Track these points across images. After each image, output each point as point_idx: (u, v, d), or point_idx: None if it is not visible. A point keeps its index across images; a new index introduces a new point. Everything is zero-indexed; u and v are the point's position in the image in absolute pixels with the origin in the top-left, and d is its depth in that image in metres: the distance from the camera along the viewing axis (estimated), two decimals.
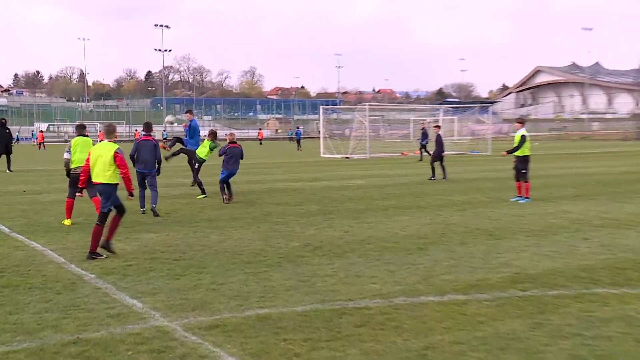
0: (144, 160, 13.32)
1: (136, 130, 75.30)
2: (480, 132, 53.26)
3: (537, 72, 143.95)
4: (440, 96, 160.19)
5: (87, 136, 12.35)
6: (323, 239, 10.31)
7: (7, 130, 26.73)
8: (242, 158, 15.62)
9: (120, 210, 9.26)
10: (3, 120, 26.89)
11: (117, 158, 9.09)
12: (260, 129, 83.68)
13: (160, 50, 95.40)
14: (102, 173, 9.09)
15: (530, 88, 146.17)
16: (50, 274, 7.94)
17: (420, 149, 33.66)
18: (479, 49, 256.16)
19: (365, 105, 45.22)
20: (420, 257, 8.90)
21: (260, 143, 73.91)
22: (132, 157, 13.29)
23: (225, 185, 15.32)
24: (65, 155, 12.10)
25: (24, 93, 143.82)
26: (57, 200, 15.99)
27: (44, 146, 62.34)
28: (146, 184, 13.53)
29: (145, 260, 8.75)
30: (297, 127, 69.35)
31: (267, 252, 9.26)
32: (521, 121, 15.89)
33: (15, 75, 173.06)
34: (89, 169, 9.31)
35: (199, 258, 8.88)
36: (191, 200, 15.70)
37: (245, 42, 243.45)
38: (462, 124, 54.73)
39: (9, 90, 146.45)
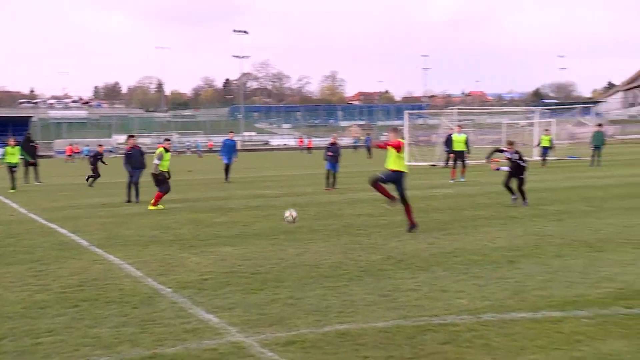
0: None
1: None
2: (581, 136, 51.47)
3: None
4: (536, 97, 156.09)
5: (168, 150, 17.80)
6: (406, 252, 10.30)
7: (32, 144, 30.17)
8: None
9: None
10: (28, 134, 31.82)
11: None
12: (300, 137, 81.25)
13: (238, 56, 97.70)
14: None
15: None
16: (128, 288, 8.31)
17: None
18: (580, 44, 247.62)
19: (453, 109, 44.68)
20: (510, 271, 8.74)
21: (309, 152, 72.08)
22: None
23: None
24: (155, 161, 17.27)
25: (103, 105, 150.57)
26: (137, 212, 16.69)
27: (72, 159, 67.20)
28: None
29: (222, 274, 9.01)
30: (367, 135, 69.06)
31: (347, 266, 9.34)
32: None
33: (96, 87, 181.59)
34: None
35: (277, 272, 9.06)
36: (269, 213, 16.00)
37: (326, 45, 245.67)
38: (560, 127, 53.06)
39: (89, 103, 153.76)
